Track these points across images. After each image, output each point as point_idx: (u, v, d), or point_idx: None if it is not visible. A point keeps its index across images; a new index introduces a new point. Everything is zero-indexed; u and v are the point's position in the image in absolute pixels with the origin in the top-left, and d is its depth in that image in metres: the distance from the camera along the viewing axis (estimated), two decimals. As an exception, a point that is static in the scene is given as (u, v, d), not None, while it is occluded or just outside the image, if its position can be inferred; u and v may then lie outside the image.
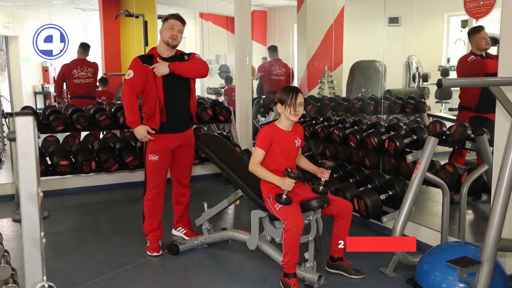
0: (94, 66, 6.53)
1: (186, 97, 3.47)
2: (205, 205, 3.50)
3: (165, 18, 3.39)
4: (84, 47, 6.51)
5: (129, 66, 3.39)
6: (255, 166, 2.92)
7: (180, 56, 3.44)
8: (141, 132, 3.33)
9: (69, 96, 6.57)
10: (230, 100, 7.85)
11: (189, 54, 3.51)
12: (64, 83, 6.51)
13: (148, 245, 3.51)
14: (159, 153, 3.40)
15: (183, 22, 3.39)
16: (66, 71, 6.34)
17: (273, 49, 7.77)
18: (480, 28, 4.54)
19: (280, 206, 2.80)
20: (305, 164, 3.15)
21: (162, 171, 3.48)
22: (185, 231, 3.76)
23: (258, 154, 2.92)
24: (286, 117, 2.92)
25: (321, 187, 2.91)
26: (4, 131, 6.93)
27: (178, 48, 3.46)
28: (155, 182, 3.48)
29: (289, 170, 2.75)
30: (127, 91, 3.32)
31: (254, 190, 3.05)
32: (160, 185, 3.49)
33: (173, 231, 3.81)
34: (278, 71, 7.43)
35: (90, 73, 6.41)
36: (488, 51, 4.57)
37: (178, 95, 3.43)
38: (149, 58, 3.38)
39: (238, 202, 3.44)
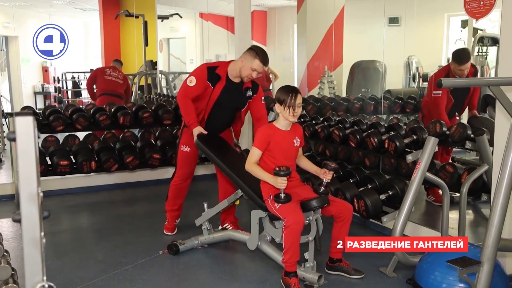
0: (124, 75, 6.94)
1: (228, 121, 3.65)
2: (205, 205, 3.50)
3: (254, 51, 3.30)
4: (117, 61, 7.08)
5: (195, 70, 3.47)
6: (250, 165, 2.93)
7: (245, 89, 3.48)
8: (198, 131, 3.43)
9: (98, 94, 6.74)
10: None
11: (256, 90, 3.51)
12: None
13: (165, 224, 3.85)
14: (191, 145, 3.55)
15: (267, 64, 3.35)
16: (99, 71, 6.76)
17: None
18: (463, 60, 4.13)
19: (279, 205, 2.80)
20: (307, 164, 3.14)
21: (192, 162, 3.70)
22: (231, 228, 3.75)
23: (254, 153, 2.93)
24: (284, 117, 2.91)
25: (322, 188, 2.91)
26: (4, 131, 6.93)
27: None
28: (184, 170, 3.70)
29: (277, 169, 2.74)
30: (184, 96, 3.42)
31: (254, 190, 3.04)
32: (188, 173, 3.72)
33: (220, 228, 3.80)
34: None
35: (121, 76, 6.77)
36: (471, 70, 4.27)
37: (221, 117, 3.57)
38: (216, 77, 3.41)
39: (238, 202, 3.44)
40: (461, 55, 4.23)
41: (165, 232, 3.86)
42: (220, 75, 3.42)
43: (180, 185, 3.74)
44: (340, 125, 4.35)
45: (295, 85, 8.15)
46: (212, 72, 3.43)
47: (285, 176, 2.75)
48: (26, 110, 5.06)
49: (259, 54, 3.30)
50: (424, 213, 4.33)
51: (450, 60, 4.34)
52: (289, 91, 2.87)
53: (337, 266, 3.09)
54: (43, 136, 5.09)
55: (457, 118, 4.69)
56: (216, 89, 3.43)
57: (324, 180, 2.92)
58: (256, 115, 3.62)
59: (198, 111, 3.49)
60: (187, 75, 3.67)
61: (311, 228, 2.91)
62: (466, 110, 4.69)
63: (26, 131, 1.24)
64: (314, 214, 2.90)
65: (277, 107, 2.91)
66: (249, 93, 3.49)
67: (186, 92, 3.43)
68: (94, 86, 6.76)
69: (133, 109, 5.24)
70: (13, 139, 1.24)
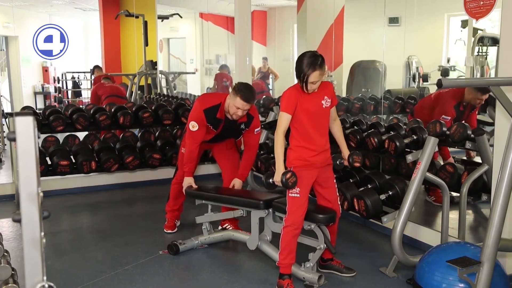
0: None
1: (227, 143, 3.78)
2: (209, 206, 3.51)
3: (239, 90, 3.27)
4: (106, 78, 7.13)
5: (193, 114, 3.48)
6: (279, 135, 2.71)
7: (239, 124, 3.51)
8: (189, 181, 3.56)
9: (103, 98, 6.80)
10: (219, 86, 8.00)
11: (250, 123, 3.52)
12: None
13: (166, 223, 3.93)
14: (193, 180, 3.62)
15: (252, 103, 3.35)
16: (97, 83, 6.94)
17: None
18: (484, 90, 4.05)
19: (293, 192, 2.76)
20: (338, 133, 2.99)
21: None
22: (231, 228, 3.76)
23: (283, 118, 2.70)
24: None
25: (338, 163, 3.00)
26: (4, 131, 6.93)
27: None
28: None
29: (287, 176, 2.65)
30: (192, 141, 3.51)
31: (252, 199, 3.22)
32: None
33: (219, 228, 3.81)
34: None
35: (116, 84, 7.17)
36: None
37: (224, 139, 3.71)
38: (215, 120, 3.45)
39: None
40: (482, 87, 4.12)
41: (165, 231, 3.90)
42: (221, 118, 3.48)
43: (181, 184, 3.75)
44: (340, 125, 4.34)
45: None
46: (211, 115, 3.44)
47: (284, 187, 2.71)
48: (26, 110, 5.06)
49: (240, 91, 3.26)
50: (424, 213, 4.33)
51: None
52: (309, 64, 2.60)
53: (329, 264, 3.11)
54: (43, 136, 5.09)
55: None
56: (217, 131, 3.54)
57: (341, 161, 2.99)
58: (247, 143, 3.66)
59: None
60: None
61: (318, 236, 2.93)
62: None
63: (26, 131, 1.24)
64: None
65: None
66: (242, 126, 3.55)
67: (194, 138, 3.50)
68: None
69: (133, 109, 5.24)
70: (13, 139, 1.24)
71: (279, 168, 2.71)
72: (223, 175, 3.81)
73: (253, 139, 3.61)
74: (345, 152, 3.02)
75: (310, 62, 2.62)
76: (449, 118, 4.19)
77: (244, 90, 3.27)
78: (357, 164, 2.95)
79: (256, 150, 3.69)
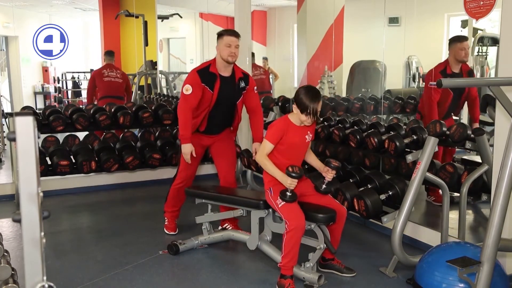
0: (122, 72, 6.81)
1: (228, 115, 3.65)
2: (209, 206, 3.51)
3: (219, 34, 3.44)
4: (109, 54, 6.78)
5: (187, 79, 3.49)
6: (262, 157, 2.92)
7: (238, 81, 3.54)
8: (188, 149, 3.47)
9: (99, 97, 6.65)
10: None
11: (248, 80, 3.58)
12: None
13: (166, 223, 3.86)
14: (193, 148, 3.55)
15: (238, 36, 3.45)
16: (97, 74, 6.61)
17: None
18: (462, 38, 4.41)
19: (283, 203, 2.80)
20: (312, 159, 3.16)
21: (194, 164, 3.69)
22: (231, 228, 3.76)
23: (267, 147, 2.91)
24: (300, 120, 2.90)
25: (324, 186, 2.94)
26: (4, 131, 6.93)
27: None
28: (186, 172, 3.71)
29: (290, 169, 2.74)
30: (185, 105, 3.45)
31: (251, 198, 3.22)
32: (189, 175, 3.75)
33: (219, 228, 3.80)
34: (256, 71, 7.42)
35: (119, 74, 6.65)
36: (467, 63, 4.46)
37: (221, 112, 3.59)
38: (211, 77, 3.45)
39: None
40: (458, 36, 4.53)
41: (167, 232, 3.87)
42: (215, 73, 3.46)
43: (182, 187, 3.74)
44: (340, 125, 4.34)
45: (295, 85, 8.15)
46: (204, 73, 3.46)
47: (296, 178, 2.75)
48: (26, 110, 5.06)
49: (224, 31, 3.45)
50: (424, 213, 4.33)
51: (449, 46, 4.47)
52: (313, 98, 2.82)
53: (329, 264, 3.11)
54: (43, 136, 5.09)
55: (454, 118, 4.68)
56: (214, 92, 3.46)
57: (326, 179, 2.93)
58: (250, 106, 3.66)
59: (199, 111, 3.51)
60: (186, 75, 3.70)
61: (318, 236, 2.93)
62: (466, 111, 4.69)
63: (26, 131, 1.24)
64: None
65: (295, 108, 2.89)
66: (242, 84, 3.56)
67: (186, 102, 3.44)
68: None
69: (133, 109, 5.23)
70: (13, 139, 1.24)
71: (279, 176, 2.83)
72: (219, 175, 3.78)
73: (255, 100, 3.66)
74: (321, 166, 3.05)
75: (313, 95, 2.83)
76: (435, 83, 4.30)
77: (227, 30, 3.50)
78: (335, 164, 2.94)
79: (261, 111, 3.72)
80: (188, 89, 3.41)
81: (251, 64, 7.50)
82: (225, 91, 3.49)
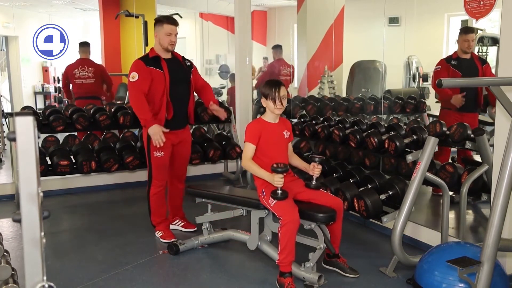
0: (96, 66, 6.35)
1: (187, 96, 3.66)
2: (209, 206, 3.51)
3: (158, 20, 3.49)
4: (83, 45, 6.33)
5: (130, 68, 3.49)
6: (247, 161, 2.98)
7: (183, 60, 3.63)
8: (157, 130, 3.42)
9: (73, 97, 6.45)
10: (233, 99, 7.80)
11: (190, 61, 3.70)
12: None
13: (161, 234, 3.70)
14: (164, 149, 3.55)
15: (177, 25, 3.51)
16: (69, 72, 6.23)
17: (278, 48, 7.64)
18: (468, 30, 4.60)
19: (275, 201, 2.83)
20: (297, 162, 3.21)
21: (166, 166, 3.67)
22: (182, 223, 3.87)
23: (249, 149, 2.99)
24: (270, 111, 3.00)
25: (314, 182, 2.99)
26: (4, 131, 6.93)
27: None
28: (161, 176, 3.66)
29: (275, 165, 2.79)
30: (135, 91, 3.42)
31: (245, 197, 3.23)
32: (165, 179, 3.71)
33: (171, 226, 3.84)
34: (284, 71, 7.41)
35: (91, 73, 6.22)
36: (477, 52, 4.66)
37: (181, 93, 3.59)
38: (154, 60, 3.47)
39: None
40: (466, 27, 4.77)
41: (166, 241, 3.64)
42: (157, 55, 3.50)
43: (160, 192, 3.68)
44: (340, 125, 4.34)
45: (295, 85, 8.16)
46: (147, 58, 3.51)
47: (282, 173, 2.79)
48: (26, 110, 5.06)
49: (164, 18, 3.49)
50: (424, 213, 4.33)
51: (458, 36, 4.65)
52: (273, 84, 2.96)
53: (334, 261, 3.11)
54: (43, 136, 5.09)
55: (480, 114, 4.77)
56: (164, 71, 3.48)
57: (314, 176, 2.99)
58: (200, 84, 3.77)
59: (158, 104, 3.48)
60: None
61: (318, 236, 2.93)
62: None
63: (26, 131, 1.24)
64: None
65: (263, 101, 3.00)
66: (188, 63, 3.67)
67: (136, 88, 3.41)
68: (71, 86, 6.35)
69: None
70: (13, 139, 1.24)
71: (266, 176, 2.87)
72: (170, 168, 3.73)
73: (201, 79, 3.82)
74: (306, 165, 3.09)
75: (273, 82, 3.00)
76: (440, 67, 4.61)
77: (165, 16, 3.55)
78: (319, 157, 2.99)
79: (210, 87, 3.85)
80: (134, 76, 3.41)
81: (278, 59, 7.47)
82: (175, 70, 3.54)
